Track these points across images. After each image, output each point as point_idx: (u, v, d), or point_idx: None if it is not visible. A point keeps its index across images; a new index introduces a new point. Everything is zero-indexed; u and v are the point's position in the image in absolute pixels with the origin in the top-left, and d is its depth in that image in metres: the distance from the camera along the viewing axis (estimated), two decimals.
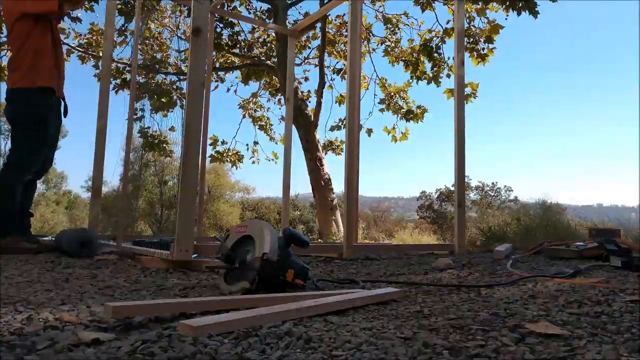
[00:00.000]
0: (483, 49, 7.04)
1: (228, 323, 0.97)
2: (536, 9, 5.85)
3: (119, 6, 6.53)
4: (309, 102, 8.85)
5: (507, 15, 6.41)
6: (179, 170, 2.19)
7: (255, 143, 10.40)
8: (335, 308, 1.24)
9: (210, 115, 4.55)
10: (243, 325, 0.99)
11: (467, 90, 7.67)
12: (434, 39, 7.79)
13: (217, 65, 8.95)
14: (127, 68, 7.51)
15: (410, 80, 8.36)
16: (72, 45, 7.79)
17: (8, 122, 3.10)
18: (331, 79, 9.25)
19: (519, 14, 5.94)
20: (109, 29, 3.71)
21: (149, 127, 7.89)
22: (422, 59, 7.88)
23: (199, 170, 2.30)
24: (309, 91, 9.52)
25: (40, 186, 15.90)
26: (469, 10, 6.93)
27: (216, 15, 5.46)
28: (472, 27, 7.04)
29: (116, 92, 7.75)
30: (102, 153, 3.48)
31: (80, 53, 7.97)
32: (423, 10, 7.23)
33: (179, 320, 1.05)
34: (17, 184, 2.92)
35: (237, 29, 8.75)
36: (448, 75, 7.74)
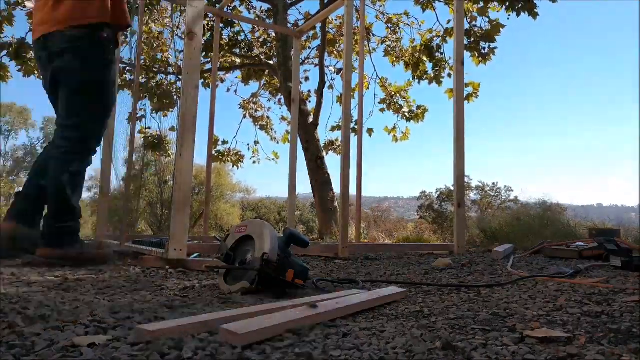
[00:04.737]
0: (484, 48, 7.02)
1: (272, 328, 0.94)
2: (535, 10, 5.84)
3: None
4: (309, 102, 8.85)
5: (509, 15, 6.40)
6: (173, 170, 2.19)
7: (256, 143, 10.43)
8: (355, 310, 1.23)
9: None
10: (284, 329, 0.97)
11: (469, 89, 7.66)
12: (435, 38, 7.78)
13: (217, 65, 8.95)
14: (128, 68, 7.50)
15: (411, 80, 8.35)
16: None
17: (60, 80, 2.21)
18: (331, 79, 9.26)
19: (518, 14, 5.93)
20: None
21: (149, 127, 7.91)
22: (423, 58, 7.87)
23: (193, 171, 2.29)
24: (309, 91, 9.53)
25: None
26: (470, 10, 6.91)
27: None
28: (472, 27, 7.02)
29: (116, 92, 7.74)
30: (109, 152, 3.47)
31: None
32: (424, 10, 7.21)
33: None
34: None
35: (237, 29, 8.75)
36: (449, 75, 7.72)
